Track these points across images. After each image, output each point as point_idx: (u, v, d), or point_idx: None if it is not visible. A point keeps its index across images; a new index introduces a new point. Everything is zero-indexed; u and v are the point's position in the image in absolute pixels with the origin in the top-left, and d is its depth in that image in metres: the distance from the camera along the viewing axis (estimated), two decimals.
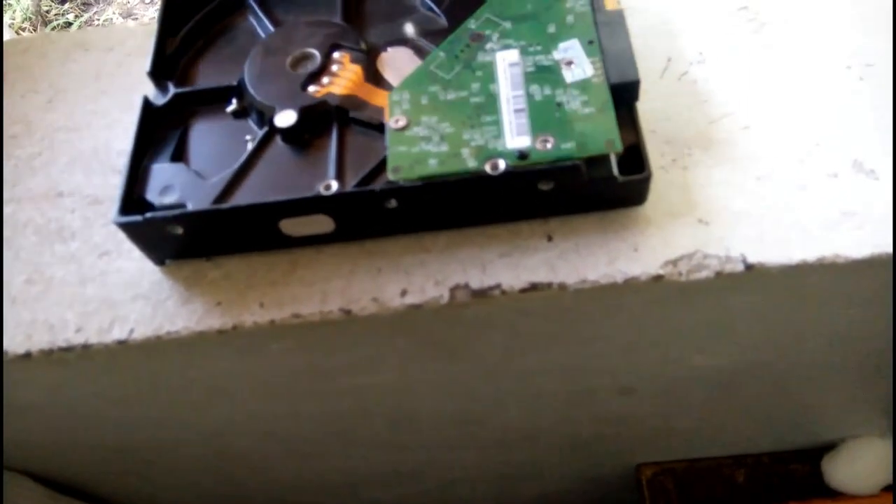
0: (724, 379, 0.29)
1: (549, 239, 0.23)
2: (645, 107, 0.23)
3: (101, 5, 1.32)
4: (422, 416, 0.33)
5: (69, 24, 1.27)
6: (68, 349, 0.24)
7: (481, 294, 0.23)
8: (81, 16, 1.29)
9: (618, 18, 0.23)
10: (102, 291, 0.25)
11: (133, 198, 0.23)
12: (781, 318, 0.25)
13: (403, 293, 0.23)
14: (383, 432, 0.34)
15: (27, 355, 0.24)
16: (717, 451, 0.38)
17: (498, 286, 0.22)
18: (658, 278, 0.22)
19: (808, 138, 0.23)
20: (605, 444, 0.37)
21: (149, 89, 0.26)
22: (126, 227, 0.23)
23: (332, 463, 0.38)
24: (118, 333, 0.24)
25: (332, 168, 0.22)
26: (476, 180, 0.21)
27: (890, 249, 0.21)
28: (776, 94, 0.24)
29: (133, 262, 0.25)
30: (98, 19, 1.28)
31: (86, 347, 0.24)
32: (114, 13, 1.30)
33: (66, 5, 1.31)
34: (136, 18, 1.28)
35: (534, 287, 0.22)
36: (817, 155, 0.23)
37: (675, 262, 0.22)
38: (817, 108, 0.24)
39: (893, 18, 0.25)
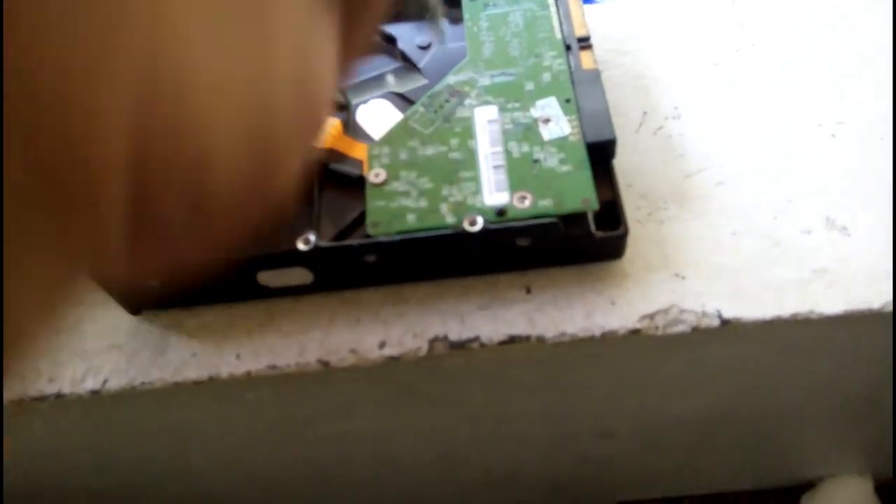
0: (701, 424, 0.30)
1: (528, 291, 0.23)
2: (621, 160, 0.23)
3: None
4: (401, 460, 0.33)
5: None
6: (40, 399, 0.24)
7: (460, 346, 0.23)
8: None
9: (594, 78, 0.23)
10: (76, 341, 0.24)
11: None
12: (758, 368, 0.25)
13: (382, 345, 0.23)
14: (362, 475, 0.34)
15: None
16: (697, 489, 0.38)
17: (477, 339, 0.23)
18: (635, 332, 0.22)
19: (781, 194, 0.24)
20: (584, 483, 0.37)
21: None
22: (101, 280, 0.22)
23: None
24: (91, 384, 0.23)
25: (310, 221, 0.23)
26: (454, 236, 0.21)
27: (862, 306, 0.21)
28: (749, 150, 0.25)
29: (108, 310, 0.25)
30: None
31: (59, 397, 0.24)
32: None
33: None
34: None
35: (512, 340, 0.22)
36: (790, 211, 0.23)
37: (651, 317, 0.22)
38: (789, 164, 0.24)
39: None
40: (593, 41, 0.25)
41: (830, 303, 0.22)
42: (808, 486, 0.38)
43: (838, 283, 0.22)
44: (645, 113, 0.26)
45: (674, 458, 0.35)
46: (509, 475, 0.35)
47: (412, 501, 0.38)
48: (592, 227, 0.21)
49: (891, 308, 0.21)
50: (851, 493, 0.37)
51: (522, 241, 0.21)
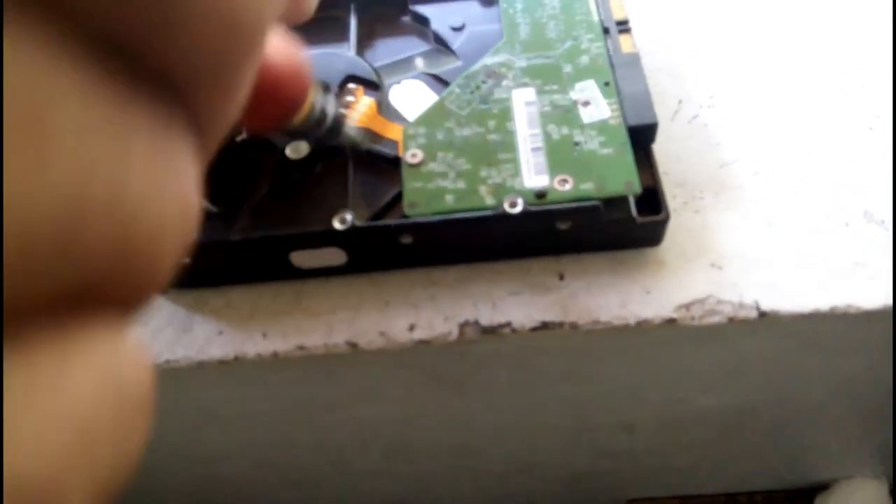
0: (725, 419, 0.29)
1: (561, 278, 0.23)
2: (656, 149, 0.23)
3: None
4: (419, 447, 0.32)
5: None
6: None
7: (491, 331, 0.22)
8: None
9: (634, 61, 0.23)
10: None
11: None
12: (790, 363, 0.25)
13: (412, 328, 0.23)
14: (378, 462, 0.34)
15: None
16: (710, 488, 0.38)
17: (508, 324, 0.22)
18: (670, 322, 0.22)
19: (819, 186, 0.23)
20: (600, 478, 0.37)
21: None
22: None
23: (324, 491, 0.38)
24: None
25: (345, 201, 0.22)
26: (494, 218, 0.21)
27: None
28: (786, 141, 0.24)
29: None
30: None
31: None
32: None
33: None
34: None
35: (545, 326, 0.22)
36: (828, 203, 0.23)
37: (687, 307, 0.22)
38: (827, 156, 0.24)
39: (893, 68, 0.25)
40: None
41: (870, 297, 0.21)
42: (822, 487, 0.38)
43: (878, 277, 0.22)
44: (680, 101, 0.26)
45: (690, 456, 0.34)
46: (525, 467, 0.35)
47: (425, 492, 0.38)
48: (634, 211, 0.21)
49: None
50: (866, 496, 0.37)
51: (563, 225, 0.21)
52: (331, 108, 0.20)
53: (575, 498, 0.40)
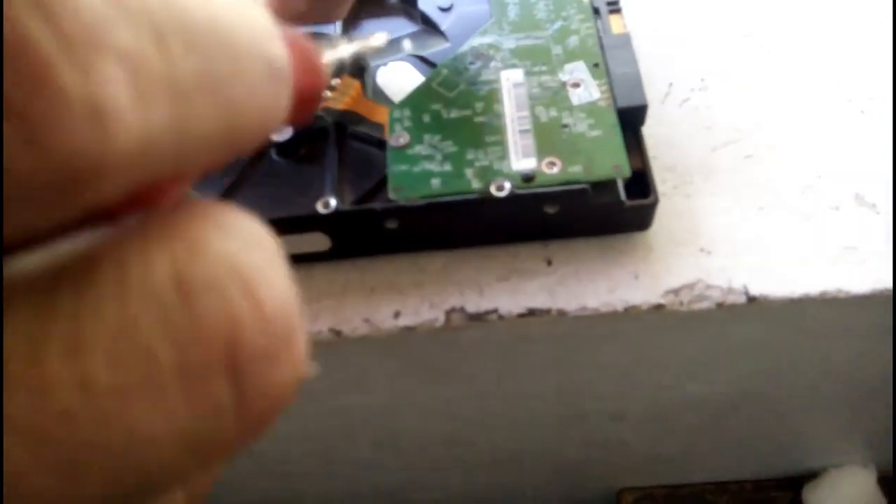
0: (715, 406, 0.29)
1: (549, 263, 0.22)
2: (647, 132, 0.22)
3: None
4: (406, 437, 0.32)
5: None
6: None
7: (478, 318, 0.22)
8: None
9: (624, 42, 0.23)
10: None
11: None
12: (779, 348, 0.24)
13: (397, 315, 0.22)
14: (365, 452, 0.33)
15: None
16: (700, 477, 0.38)
17: (495, 311, 0.22)
18: (659, 307, 0.21)
19: (810, 170, 0.23)
20: (589, 468, 0.36)
21: None
22: None
23: (310, 483, 0.37)
24: None
25: (329, 185, 0.22)
26: (480, 202, 0.20)
27: (890, 285, 0.21)
28: (778, 125, 0.24)
29: None
30: None
31: None
32: None
33: None
34: None
35: (532, 313, 0.22)
36: (819, 187, 0.23)
37: (676, 292, 0.21)
38: (819, 139, 0.24)
39: (893, 51, 0.25)
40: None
41: (860, 281, 0.21)
42: (811, 476, 0.38)
43: (867, 261, 0.21)
44: (671, 84, 0.25)
45: (680, 444, 0.34)
46: (514, 457, 0.35)
47: (413, 483, 0.38)
48: (623, 195, 0.20)
49: None
50: (854, 485, 0.37)
51: (550, 209, 0.20)
52: (346, 56, 0.18)
53: (565, 488, 0.40)
